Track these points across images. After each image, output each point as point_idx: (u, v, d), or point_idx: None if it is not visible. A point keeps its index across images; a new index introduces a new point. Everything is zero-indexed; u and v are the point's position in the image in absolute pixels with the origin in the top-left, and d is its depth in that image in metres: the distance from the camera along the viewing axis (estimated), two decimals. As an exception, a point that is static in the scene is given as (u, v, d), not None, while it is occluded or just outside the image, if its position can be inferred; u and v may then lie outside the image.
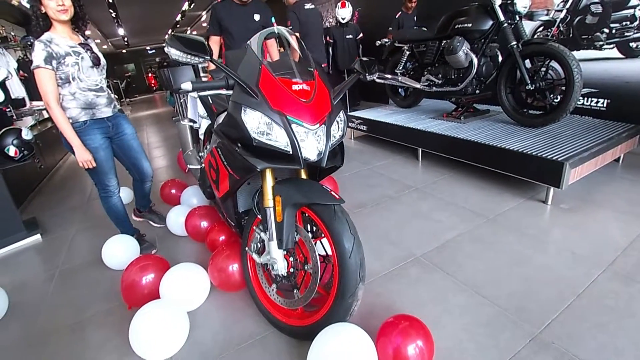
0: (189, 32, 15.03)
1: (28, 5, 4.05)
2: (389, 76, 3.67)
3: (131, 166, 2.21)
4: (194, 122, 2.48)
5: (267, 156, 1.22)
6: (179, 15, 11.53)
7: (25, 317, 1.79)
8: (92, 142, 1.91)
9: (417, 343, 1.14)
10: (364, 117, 3.92)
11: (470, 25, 2.80)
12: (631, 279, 1.52)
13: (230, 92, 1.29)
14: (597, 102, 2.94)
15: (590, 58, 2.92)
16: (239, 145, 1.28)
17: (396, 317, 1.24)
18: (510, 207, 2.24)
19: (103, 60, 1.93)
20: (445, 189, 2.60)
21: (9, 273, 2.25)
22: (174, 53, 1.15)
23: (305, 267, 1.32)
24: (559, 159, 2.07)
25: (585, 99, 2.99)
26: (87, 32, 1.94)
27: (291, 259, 1.36)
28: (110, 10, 8.92)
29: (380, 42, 3.96)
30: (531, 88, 2.60)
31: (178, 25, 13.76)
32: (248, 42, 1.34)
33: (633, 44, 2.68)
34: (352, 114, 4.19)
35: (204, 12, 11.52)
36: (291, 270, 1.37)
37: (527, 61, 2.66)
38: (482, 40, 2.84)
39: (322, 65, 4.70)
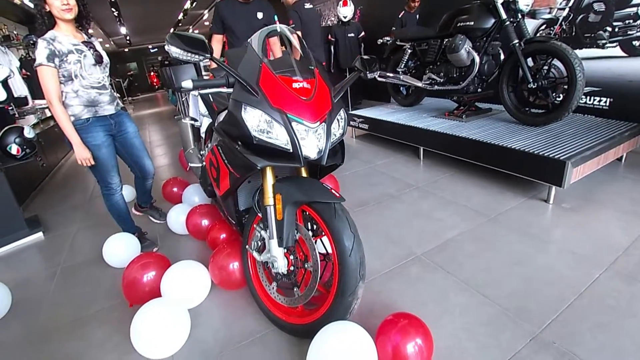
0: (191, 30, 15.03)
1: (32, 5, 4.06)
2: (391, 74, 3.66)
3: (133, 164, 2.22)
4: (196, 120, 2.48)
5: (267, 154, 1.22)
6: (181, 14, 11.54)
7: (27, 314, 1.80)
8: (95, 139, 1.91)
9: (416, 341, 1.14)
10: (366, 115, 3.92)
11: (472, 23, 2.79)
12: (633, 279, 1.51)
13: (231, 90, 1.29)
14: (599, 100, 2.92)
15: (593, 56, 2.90)
16: (240, 143, 1.28)
17: (395, 315, 1.24)
18: (512, 206, 2.23)
19: (106, 58, 1.94)
20: (446, 187, 2.59)
21: (12, 271, 2.27)
22: (174, 51, 1.15)
23: (306, 265, 1.32)
24: (561, 158, 2.06)
25: (588, 97, 2.98)
26: (90, 31, 1.95)
27: (291, 257, 1.37)
28: (113, 9, 8.93)
29: (382, 41, 3.95)
30: (533, 86, 2.59)
31: (180, 24, 13.76)
32: (249, 40, 1.34)
33: (636, 43, 2.66)
34: (353, 112, 4.19)
35: (206, 11, 11.52)
36: (291, 268, 1.37)
37: (530, 59, 2.64)
38: (484, 39, 2.83)
39: (322, 64, 4.68)
